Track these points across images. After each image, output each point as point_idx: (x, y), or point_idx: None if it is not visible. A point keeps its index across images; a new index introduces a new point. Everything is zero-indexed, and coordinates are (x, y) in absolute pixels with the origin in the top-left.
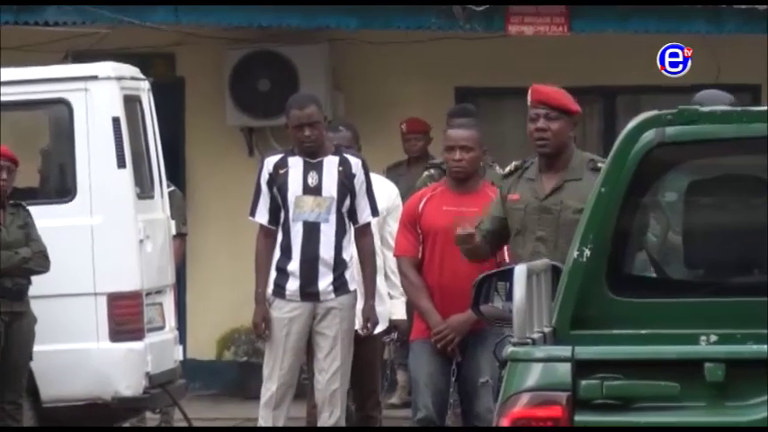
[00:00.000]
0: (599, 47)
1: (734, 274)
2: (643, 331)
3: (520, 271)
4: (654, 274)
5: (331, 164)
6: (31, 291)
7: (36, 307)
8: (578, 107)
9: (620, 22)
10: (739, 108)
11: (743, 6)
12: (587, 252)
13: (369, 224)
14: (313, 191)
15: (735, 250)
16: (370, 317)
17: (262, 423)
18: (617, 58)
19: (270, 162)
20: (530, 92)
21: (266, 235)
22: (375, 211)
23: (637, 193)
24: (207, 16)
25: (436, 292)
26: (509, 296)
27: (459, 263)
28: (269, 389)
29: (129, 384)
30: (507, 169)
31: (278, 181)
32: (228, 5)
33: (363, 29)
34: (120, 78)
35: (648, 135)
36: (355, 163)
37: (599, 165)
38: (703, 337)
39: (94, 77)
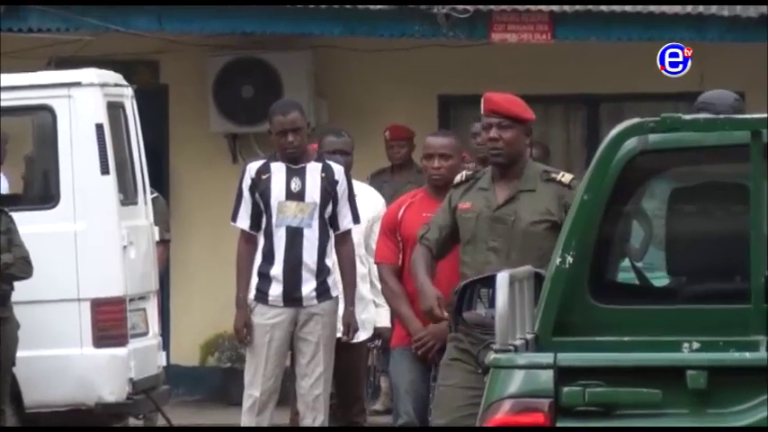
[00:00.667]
0: (582, 54)
1: (716, 282)
2: (625, 338)
3: (502, 278)
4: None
5: (314, 170)
6: (15, 296)
7: (19, 313)
8: (532, 114)
9: (604, 29)
10: (722, 116)
11: (726, 14)
12: (570, 259)
13: (349, 231)
14: (296, 196)
15: (717, 258)
16: (350, 323)
17: None
18: (600, 66)
19: (252, 168)
20: (482, 101)
21: (247, 240)
22: (356, 219)
23: (619, 200)
24: (190, 23)
25: (414, 298)
26: (492, 303)
27: (439, 270)
28: (251, 395)
29: (112, 390)
30: (458, 178)
31: (260, 186)
32: (212, 12)
33: (347, 36)
34: (103, 85)
35: (631, 143)
36: (338, 170)
37: (552, 176)
38: (685, 345)
39: (78, 84)
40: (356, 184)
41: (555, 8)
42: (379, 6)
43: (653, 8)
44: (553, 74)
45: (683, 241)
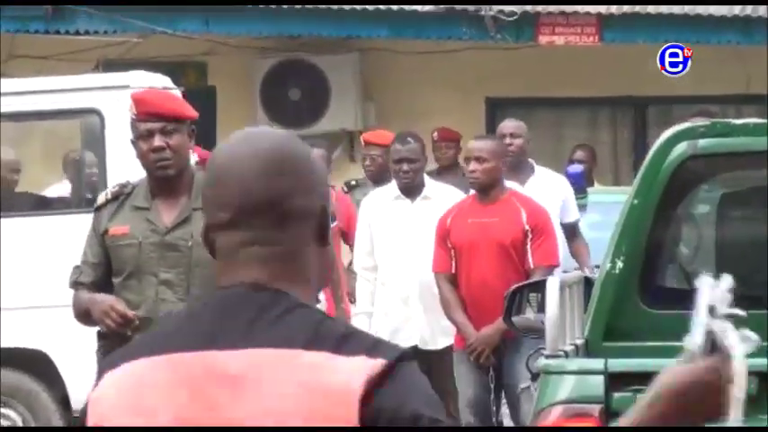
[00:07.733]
0: (630, 57)
1: (766, 286)
2: (676, 343)
3: (553, 283)
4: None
5: None
6: (60, 297)
7: (64, 314)
8: (193, 111)
9: (651, 32)
10: None
11: None
12: (620, 264)
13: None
14: None
15: (767, 262)
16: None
17: None
18: (647, 68)
19: None
20: (133, 103)
21: None
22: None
23: (669, 205)
24: (237, 26)
25: (467, 304)
26: (541, 308)
27: (487, 275)
28: None
29: None
30: (103, 199)
31: None
32: (259, 15)
33: (394, 38)
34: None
35: (681, 147)
36: None
37: None
38: None
39: (127, 87)
40: (433, 183)
41: (602, 10)
42: (426, 8)
43: (700, 10)
44: (600, 76)
45: (733, 246)
